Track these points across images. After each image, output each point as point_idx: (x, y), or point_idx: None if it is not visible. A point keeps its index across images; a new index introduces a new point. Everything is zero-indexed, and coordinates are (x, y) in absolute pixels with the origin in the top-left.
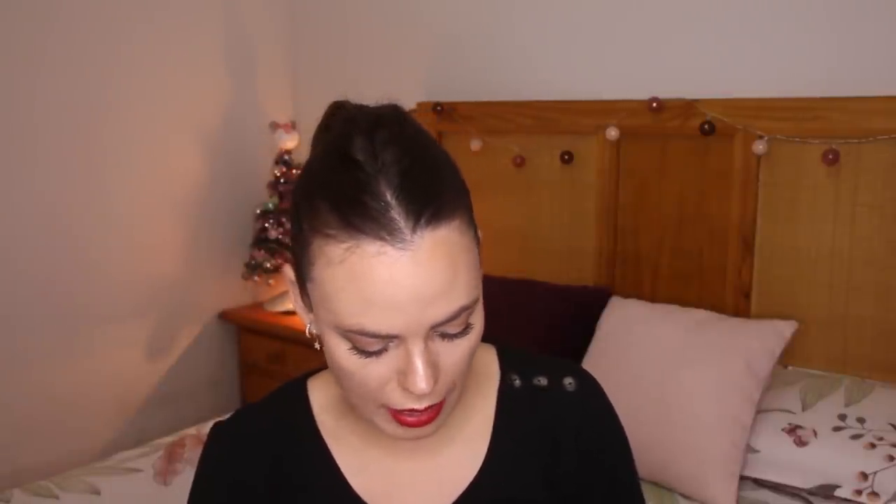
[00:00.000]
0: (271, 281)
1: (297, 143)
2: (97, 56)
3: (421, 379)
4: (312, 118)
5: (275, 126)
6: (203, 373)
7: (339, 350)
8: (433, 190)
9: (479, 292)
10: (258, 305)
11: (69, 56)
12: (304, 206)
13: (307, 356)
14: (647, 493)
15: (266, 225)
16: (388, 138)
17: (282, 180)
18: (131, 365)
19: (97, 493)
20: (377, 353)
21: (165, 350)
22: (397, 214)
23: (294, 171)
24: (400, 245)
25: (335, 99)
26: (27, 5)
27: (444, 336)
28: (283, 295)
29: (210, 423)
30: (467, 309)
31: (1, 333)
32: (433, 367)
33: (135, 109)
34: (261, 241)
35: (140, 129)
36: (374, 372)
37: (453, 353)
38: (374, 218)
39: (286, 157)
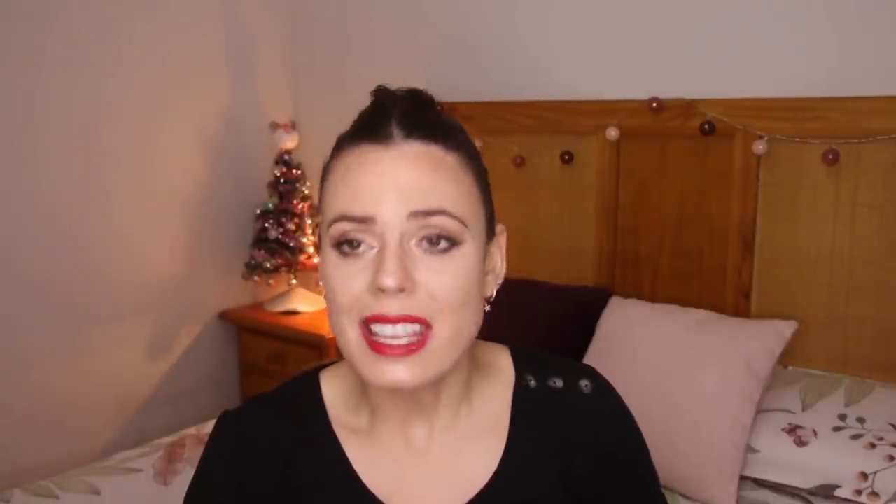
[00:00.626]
0: (271, 281)
1: (297, 143)
2: (97, 56)
3: (389, 273)
4: (312, 118)
5: (275, 126)
6: (203, 373)
7: (330, 262)
8: (434, 124)
9: (471, 220)
10: (258, 305)
11: (69, 56)
12: (333, 151)
13: (307, 356)
14: None
15: (266, 225)
16: (407, 92)
17: (282, 180)
18: (131, 365)
19: (97, 493)
20: (357, 251)
21: (166, 350)
22: (395, 130)
23: (294, 170)
24: (391, 149)
25: (335, 99)
26: (27, 5)
27: (426, 250)
28: (283, 295)
29: (210, 424)
30: (449, 215)
31: (1, 333)
32: (404, 270)
33: (135, 109)
34: (261, 241)
35: (140, 129)
36: (354, 274)
37: (436, 273)
38: (375, 131)
39: (286, 157)
